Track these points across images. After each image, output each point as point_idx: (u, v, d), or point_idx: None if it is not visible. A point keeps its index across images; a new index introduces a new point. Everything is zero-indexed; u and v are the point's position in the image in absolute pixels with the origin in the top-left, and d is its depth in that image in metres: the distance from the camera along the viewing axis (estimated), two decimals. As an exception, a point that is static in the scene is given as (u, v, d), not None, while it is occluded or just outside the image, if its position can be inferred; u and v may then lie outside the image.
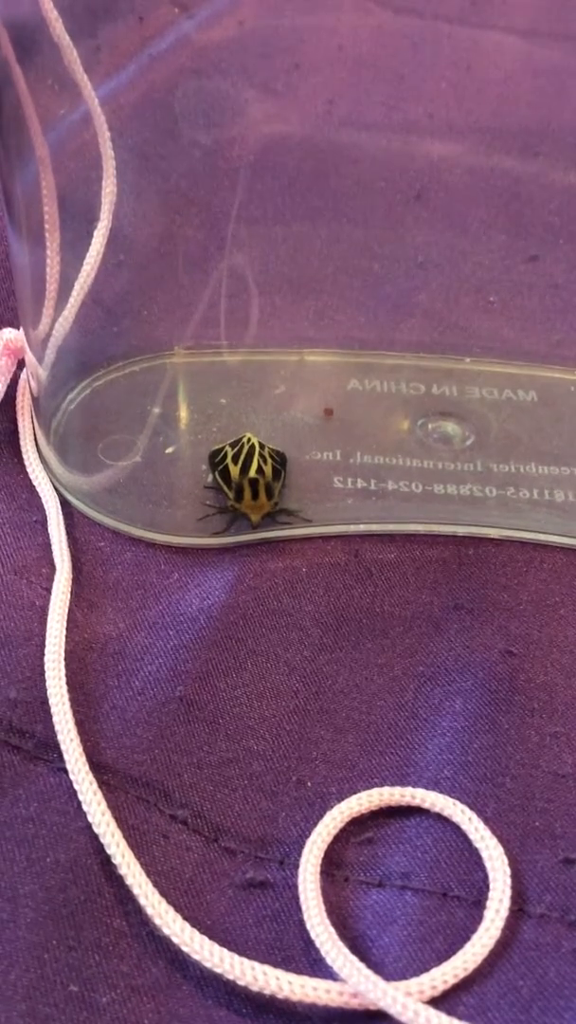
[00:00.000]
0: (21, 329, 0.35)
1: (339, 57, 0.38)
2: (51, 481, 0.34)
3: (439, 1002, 0.23)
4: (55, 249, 0.33)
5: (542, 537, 0.33)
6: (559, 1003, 0.23)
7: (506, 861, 0.25)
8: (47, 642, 0.29)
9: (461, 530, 0.33)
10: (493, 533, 0.33)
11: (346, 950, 0.24)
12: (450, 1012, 0.23)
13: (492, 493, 0.34)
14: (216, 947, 0.24)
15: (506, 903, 0.25)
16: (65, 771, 0.27)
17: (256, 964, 0.24)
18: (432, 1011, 0.23)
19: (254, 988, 0.24)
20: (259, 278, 0.37)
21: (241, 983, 0.24)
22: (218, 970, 0.24)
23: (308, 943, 0.25)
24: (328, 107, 0.38)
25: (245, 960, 0.24)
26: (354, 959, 0.24)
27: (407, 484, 0.34)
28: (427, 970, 0.24)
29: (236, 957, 0.24)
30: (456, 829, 0.26)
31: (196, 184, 0.38)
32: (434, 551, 0.32)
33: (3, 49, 0.29)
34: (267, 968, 0.24)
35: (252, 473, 0.33)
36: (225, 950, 0.24)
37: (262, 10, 0.37)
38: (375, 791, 0.27)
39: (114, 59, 0.36)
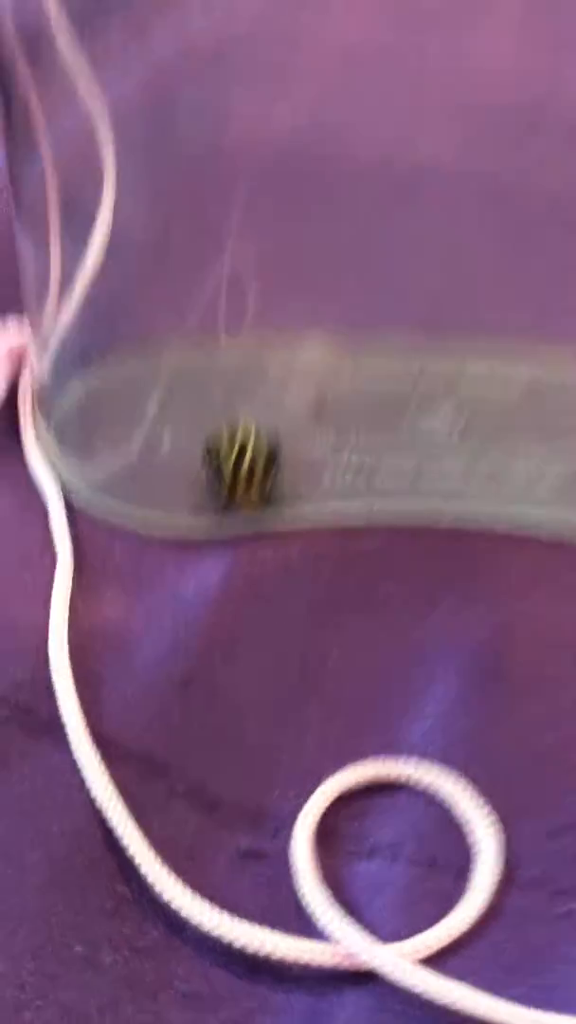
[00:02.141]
0: (23, 322, 0.35)
1: (333, 58, 0.39)
2: (52, 473, 0.34)
3: (428, 964, 0.24)
4: (57, 245, 0.33)
5: (528, 525, 0.33)
6: (541, 964, 0.24)
7: (494, 831, 0.27)
8: (50, 626, 0.30)
9: (449, 518, 0.34)
10: (481, 521, 0.34)
11: (339, 911, 0.25)
12: (439, 973, 0.24)
13: (480, 482, 0.34)
14: (213, 910, 0.25)
15: (495, 871, 0.26)
16: (69, 748, 0.28)
17: (251, 926, 0.25)
18: (422, 971, 0.24)
19: (249, 949, 0.25)
20: (254, 272, 0.37)
21: (237, 944, 0.25)
22: (215, 932, 0.25)
23: (301, 909, 0.26)
24: (322, 105, 0.39)
25: (241, 922, 0.25)
26: (348, 920, 0.25)
27: (397, 473, 0.34)
28: (415, 934, 0.25)
29: (232, 919, 0.25)
30: (444, 802, 0.27)
31: (193, 182, 0.39)
32: (423, 538, 0.33)
33: (11, 52, 0.30)
34: (262, 929, 0.25)
35: (246, 465, 0.33)
36: (222, 912, 0.25)
37: (257, 12, 0.37)
38: (365, 765, 0.28)
39: (115, 61, 0.37)
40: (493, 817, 0.27)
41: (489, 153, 0.39)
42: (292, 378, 0.37)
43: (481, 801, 0.27)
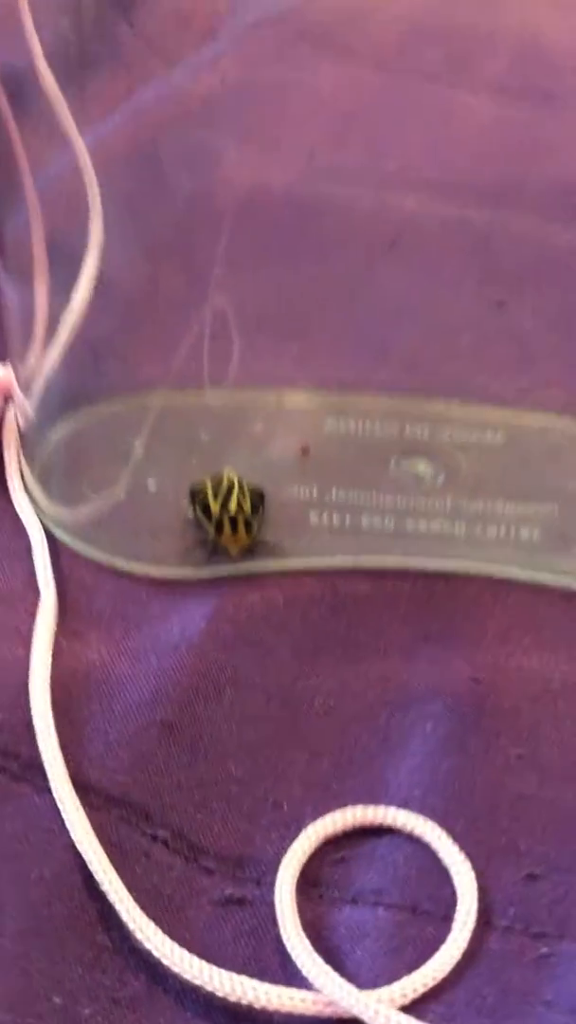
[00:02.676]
0: (9, 364, 0.36)
1: (319, 111, 0.39)
2: (36, 513, 0.34)
3: (409, 1009, 0.24)
4: (43, 289, 0.34)
5: (509, 572, 0.34)
6: (523, 1008, 0.24)
7: (473, 877, 0.26)
8: (32, 667, 0.30)
9: (432, 565, 0.34)
10: (462, 567, 0.34)
11: (320, 960, 0.25)
12: (420, 1018, 0.24)
13: (461, 530, 0.35)
14: (195, 959, 0.25)
15: (473, 916, 0.26)
16: (49, 791, 0.28)
17: (234, 975, 0.25)
18: (404, 1016, 0.24)
19: (232, 999, 0.24)
20: (240, 320, 0.37)
21: (219, 994, 0.24)
22: (197, 982, 0.25)
23: (284, 957, 0.25)
24: (309, 158, 0.40)
25: (223, 971, 0.25)
26: (328, 969, 0.24)
27: (381, 520, 0.35)
28: (398, 980, 0.25)
29: (214, 969, 0.25)
30: (426, 847, 0.27)
31: (179, 230, 0.39)
32: (406, 584, 0.33)
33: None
34: (244, 979, 0.25)
35: (232, 508, 0.33)
36: (204, 962, 0.25)
37: (244, 64, 0.38)
38: (348, 811, 0.28)
39: (101, 108, 0.37)
40: (472, 862, 0.27)
41: (473, 211, 0.40)
42: (277, 425, 0.37)
43: (459, 846, 0.27)
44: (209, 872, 0.27)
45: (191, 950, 0.25)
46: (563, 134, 0.38)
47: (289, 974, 0.25)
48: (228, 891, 0.27)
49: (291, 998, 0.24)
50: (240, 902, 0.27)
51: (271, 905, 0.26)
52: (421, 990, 0.24)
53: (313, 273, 0.39)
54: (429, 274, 0.39)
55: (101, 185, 0.35)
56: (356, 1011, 0.24)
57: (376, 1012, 0.23)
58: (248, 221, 0.39)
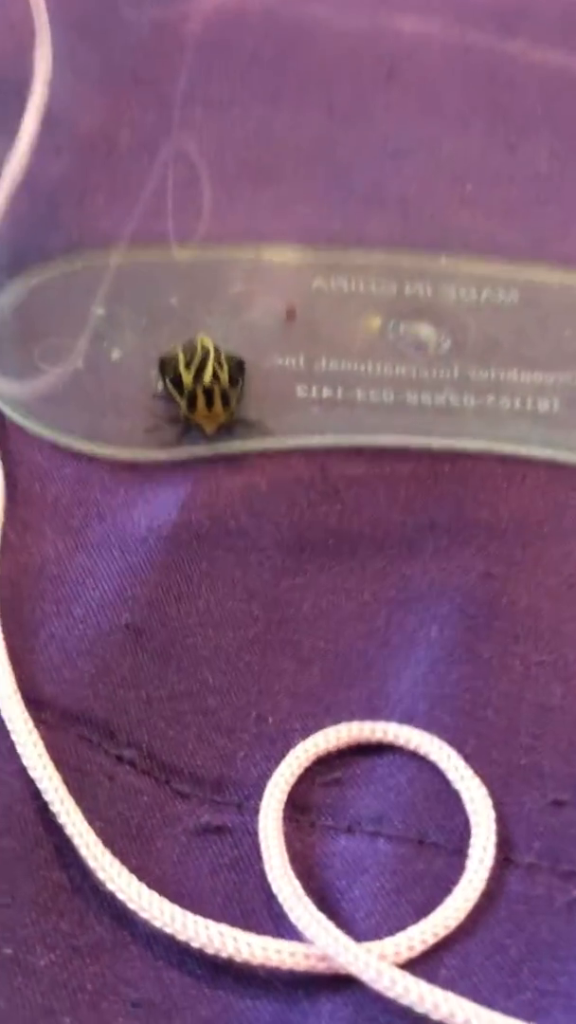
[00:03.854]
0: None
1: None
2: (-17, 388, 0.31)
3: (417, 964, 0.21)
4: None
5: (524, 450, 0.31)
6: (552, 965, 0.21)
7: (489, 804, 0.24)
8: (-23, 565, 0.27)
9: (436, 443, 0.31)
10: (471, 446, 0.31)
11: (312, 907, 0.22)
12: (430, 975, 0.21)
13: (470, 402, 0.32)
14: (166, 903, 0.22)
15: (491, 851, 0.23)
16: (-4, 708, 0.25)
17: (211, 923, 0.22)
18: (409, 978, 0.20)
19: (209, 949, 0.22)
20: (212, 165, 0.34)
21: (195, 943, 0.22)
22: (168, 929, 0.22)
23: (270, 895, 0.23)
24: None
25: (199, 918, 0.22)
26: (321, 917, 0.22)
27: (377, 393, 0.32)
28: (403, 927, 0.22)
29: (189, 915, 0.22)
30: (433, 768, 0.24)
31: (142, 61, 0.36)
32: (407, 466, 0.30)
33: None
34: (224, 928, 0.22)
35: (207, 379, 0.30)
36: (176, 906, 0.22)
37: None
38: (343, 726, 0.25)
39: None
40: (489, 785, 0.24)
41: (479, 37, 0.37)
42: (257, 284, 0.34)
43: (472, 768, 0.24)
44: (183, 796, 0.25)
45: (162, 887, 0.23)
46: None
47: (275, 914, 0.23)
48: (205, 818, 0.24)
49: (278, 951, 0.21)
50: (219, 831, 0.24)
51: (255, 835, 0.24)
52: (431, 940, 0.21)
53: (296, 109, 0.36)
54: (430, 110, 0.36)
55: (49, 8, 0.32)
56: (354, 970, 0.20)
57: (379, 972, 0.20)
58: (220, 50, 0.36)
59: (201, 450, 0.30)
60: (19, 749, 0.24)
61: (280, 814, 0.24)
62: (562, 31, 0.37)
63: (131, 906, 0.22)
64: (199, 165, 0.34)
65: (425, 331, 0.33)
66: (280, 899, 0.22)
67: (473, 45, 0.37)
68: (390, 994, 0.20)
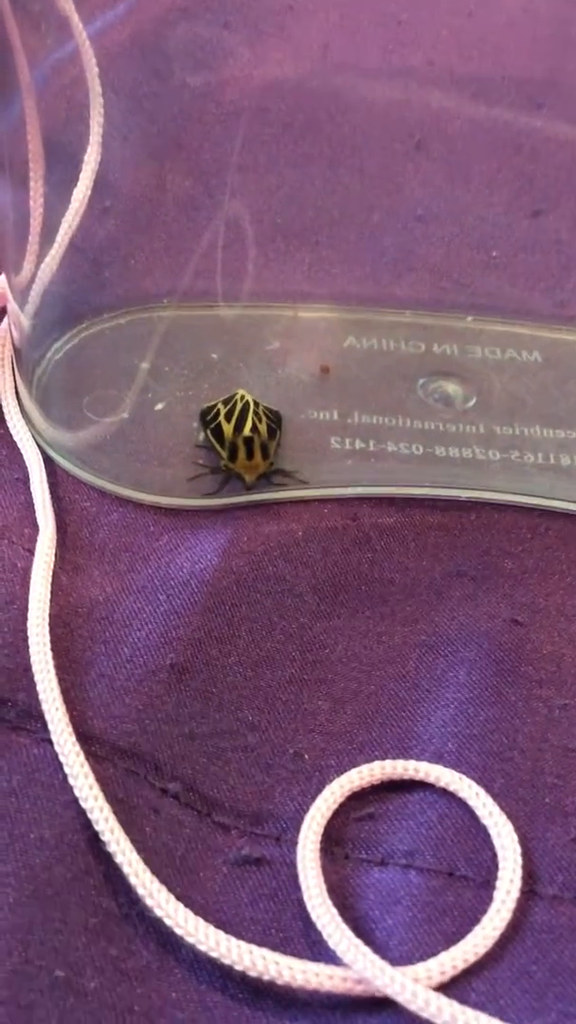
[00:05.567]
0: (2, 273, 0.33)
1: None
2: (33, 437, 0.32)
3: (448, 988, 0.22)
4: (39, 190, 0.31)
5: (547, 502, 0.32)
6: (572, 988, 0.22)
7: (516, 839, 0.24)
8: (30, 606, 0.28)
9: (463, 494, 0.32)
10: (497, 497, 0.32)
11: (349, 932, 0.23)
12: (460, 999, 0.22)
13: (496, 456, 0.32)
14: (210, 928, 0.23)
15: (517, 883, 0.24)
16: (50, 742, 0.25)
17: (253, 947, 0.22)
18: (442, 999, 0.21)
19: (251, 973, 0.22)
20: (252, 229, 0.35)
21: (238, 967, 0.22)
22: (213, 953, 0.23)
23: (307, 923, 0.23)
24: (324, 51, 0.37)
25: (242, 943, 0.23)
26: (358, 942, 0.22)
27: (407, 445, 0.33)
28: (434, 954, 0.23)
29: (232, 939, 0.23)
30: (462, 805, 0.25)
31: (187, 128, 0.37)
32: (435, 516, 0.31)
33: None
34: (265, 952, 0.22)
35: (247, 431, 0.31)
36: (220, 932, 0.23)
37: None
38: (376, 764, 0.26)
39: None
40: (515, 822, 0.25)
41: (504, 111, 0.38)
42: (294, 342, 0.35)
43: (500, 804, 0.25)
44: (224, 828, 0.25)
45: (205, 915, 0.23)
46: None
47: (312, 941, 0.23)
48: (245, 850, 0.25)
49: (317, 974, 0.22)
50: (258, 862, 0.25)
51: (292, 866, 0.24)
52: (461, 966, 0.22)
53: (331, 176, 0.37)
54: (457, 179, 0.37)
55: (103, 78, 0.33)
56: (390, 991, 0.21)
57: (414, 994, 0.21)
58: (260, 119, 0.37)
59: (240, 498, 0.31)
60: (71, 781, 0.25)
61: (317, 846, 0.24)
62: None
63: (177, 931, 0.23)
64: (241, 228, 0.35)
65: (452, 388, 0.34)
66: (319, 926, 0.23)
67: (498, 117, 0.38)
68: (424, 1015, 0.21)
